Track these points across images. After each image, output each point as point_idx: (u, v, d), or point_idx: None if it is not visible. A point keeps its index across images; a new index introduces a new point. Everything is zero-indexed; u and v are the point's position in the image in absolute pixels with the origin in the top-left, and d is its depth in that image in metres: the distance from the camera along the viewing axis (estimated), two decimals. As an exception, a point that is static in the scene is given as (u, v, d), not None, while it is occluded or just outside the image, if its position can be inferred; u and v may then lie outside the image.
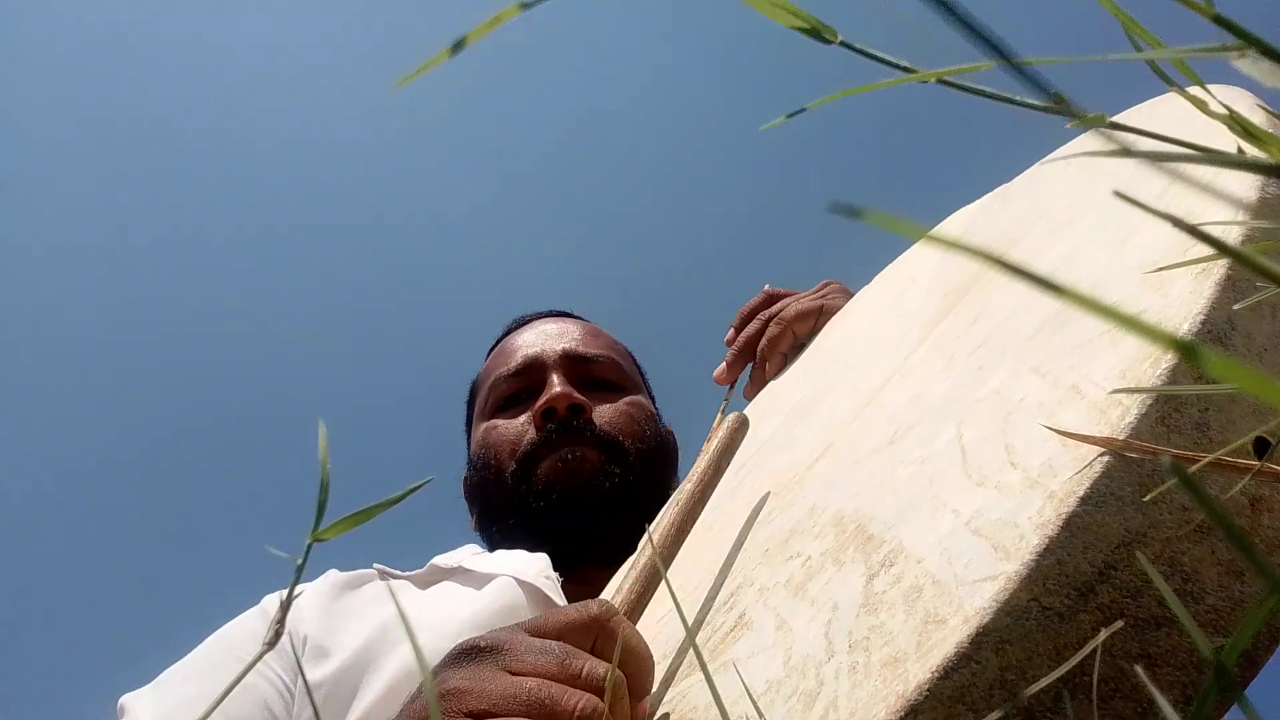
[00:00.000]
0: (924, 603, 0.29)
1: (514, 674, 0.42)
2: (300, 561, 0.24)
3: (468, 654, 0.44)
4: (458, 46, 0.21)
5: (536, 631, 0.45)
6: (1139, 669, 0.25)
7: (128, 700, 0.81)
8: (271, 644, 0.25)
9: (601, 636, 0.45)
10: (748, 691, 0.36)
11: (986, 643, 0.26)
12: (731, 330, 1.04)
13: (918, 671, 0.27)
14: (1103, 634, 0.25)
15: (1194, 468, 0.26)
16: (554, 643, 0.44)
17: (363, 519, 0.25)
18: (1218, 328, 0.29)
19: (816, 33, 0.24)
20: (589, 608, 0.46)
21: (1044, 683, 0.25)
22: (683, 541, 0.53)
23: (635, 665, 0.44)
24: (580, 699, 0.41)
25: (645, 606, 0.49)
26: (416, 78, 0.22)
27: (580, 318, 1.25)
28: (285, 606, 0.24)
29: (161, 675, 0.84)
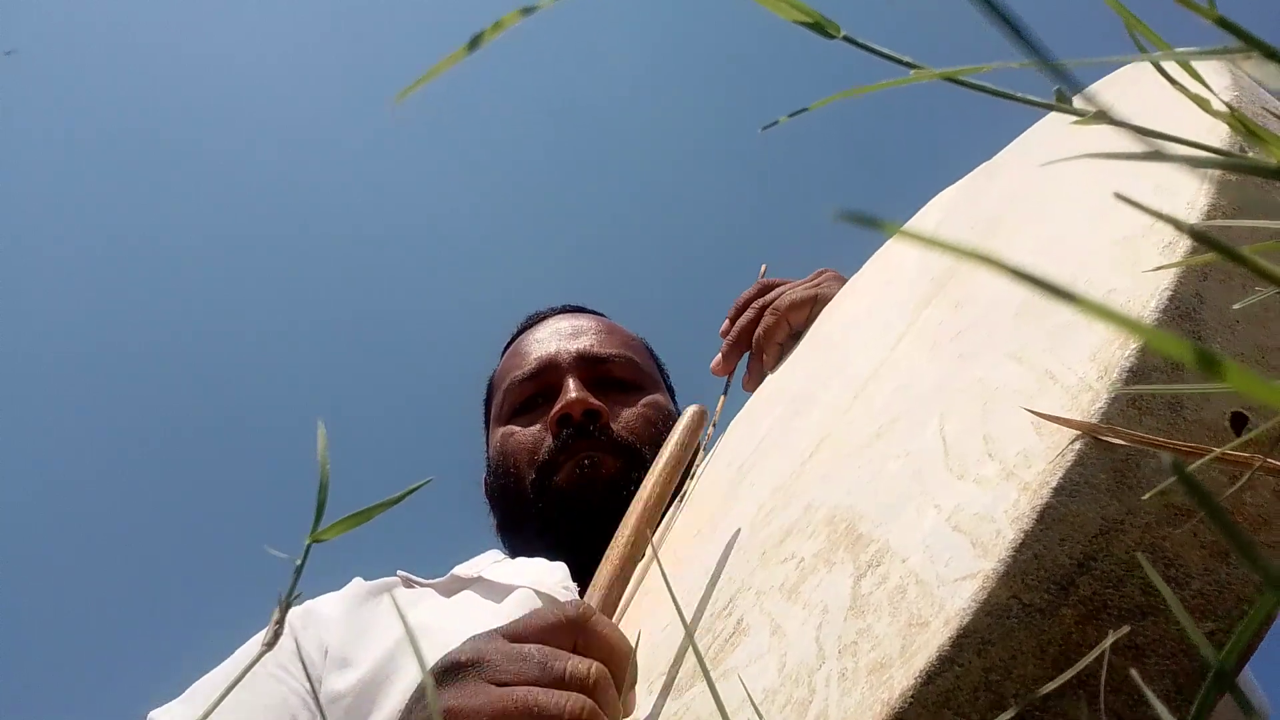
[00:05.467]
0: (908, 604, 0.29)
1: (500, 685, 0.43)
2: (299, 562, 0.24)
3: (450, 672, 0.45)
4: (473, 44, 0.22)
5: (516, 637, 0.46)
6: (1133, 671, 0.25)
7: (157, 714, 0.80)
8: (270, 645, 0.25)
9: (582, 635, 0.46)
10: (752, 701, 0.36)
11: (968, 644, 0.25)
12: (726, 321, 1.03)
13: (902, 678, 0.26)
14: (1109, 638, 0.25)
15: (1195, 464, 0.26)
16: (534, 647, 0.45)
17: (362, 519, 0.25)
18: (1185, 303, 0.28)
19: (820, 27, 0.24)
20: (565, 609, 0.47)
21: (1053, 685, 0.25)
22: (645, 544, 0.57)
23: (616, 661, 0.46)
24: (569, 700, 0.41)
25: (618, 602, 0.53)
26: (415, 89, 0.22)
27: (594, 312, 1.24)
28: (284, 607, 0.24)
29: (191, 687, 0.83)
